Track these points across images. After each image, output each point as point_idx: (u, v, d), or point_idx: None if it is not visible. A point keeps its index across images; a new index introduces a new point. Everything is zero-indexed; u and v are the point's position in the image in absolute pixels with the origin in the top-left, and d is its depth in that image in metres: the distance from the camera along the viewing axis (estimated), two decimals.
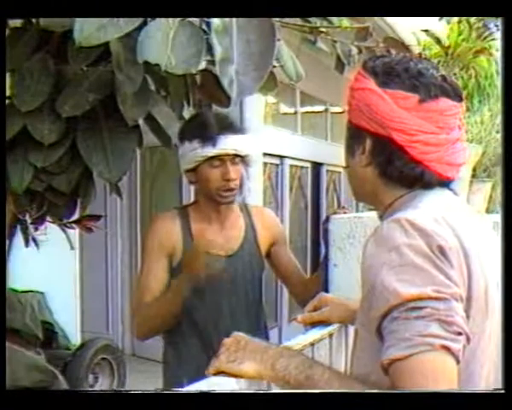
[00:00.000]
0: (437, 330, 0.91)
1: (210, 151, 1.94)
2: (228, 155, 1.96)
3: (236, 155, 1.99)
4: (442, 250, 0.98)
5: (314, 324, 1.62)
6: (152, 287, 1.97)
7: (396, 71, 1.13)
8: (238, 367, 1.12)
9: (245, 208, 2.17)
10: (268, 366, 1.09)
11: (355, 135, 1.18)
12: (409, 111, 1.11)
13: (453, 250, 0.99)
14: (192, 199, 2.32)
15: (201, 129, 1.96)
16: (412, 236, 0.99)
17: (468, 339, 0.95)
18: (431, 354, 0.90)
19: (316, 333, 1.59)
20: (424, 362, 0.90)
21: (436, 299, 0.93)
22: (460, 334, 0.93)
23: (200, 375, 1.15)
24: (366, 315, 1.02)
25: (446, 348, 0.90)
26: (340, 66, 2.16)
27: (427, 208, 1.08)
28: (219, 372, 1.14)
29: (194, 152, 1.96)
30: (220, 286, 2.03)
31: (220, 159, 1.97)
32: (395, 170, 1.13)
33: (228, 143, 1.96)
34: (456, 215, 1.09)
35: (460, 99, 1.15)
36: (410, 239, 0.98)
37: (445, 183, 1.15)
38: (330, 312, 1.60)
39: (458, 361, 0.92)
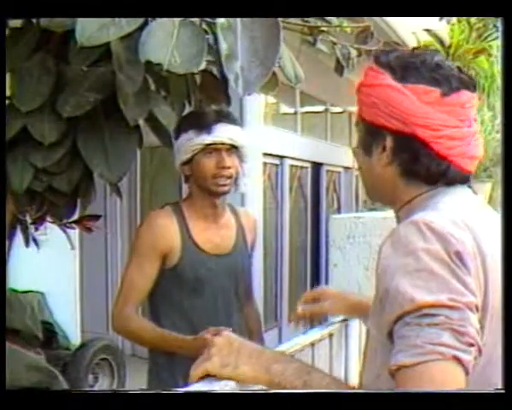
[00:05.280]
0: (449, 339, 0.89)
1: (205, 139, 1.96)
2: (223, 143, 1.97)
3: (232, 146, 2.00)
4: (460, 256, 0.95)
5: (313, 317, 1.61)
6: (139, 284, 1.97)
7: (414, 64, 1.10)
8: (235, 372, 1.07)
9: (233, 209, 2.18)
10: (263, 371, 1.05)
11: (372, 133, 1.13)
12: (432, 106, 1.08)
13: (471, 256, 0.96)
14: None
15: (197, 119, 1.98)
16: (430, 240, 0.96)
17: (479, 351, 0.92)
18: (441, 364, 0.88)
19: (316, 333, 1.59)
20: (433, 371, 0.88)
21: (450, 307, 0.90)
22: (472, 345, 0.90)
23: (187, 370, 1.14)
24: (378, 318, 1.00)
25: (457, 359, 0.88)
26: (340, 68, 2.16)
27: (447, 209, 1.05)
28: (208, 375, 1.08)
29: (190, 141, 1.97)
30: (216, 285, 2.04)
31: (215, 148, 1.97)
32: (421, 167, 1.09)
33: (223, 132, 1.97)
34: (475, 217, 1.06)
35: (475, 89, 1.13)
36: (428, 244, 0.95)
37: (466, 179, 1.13)
38: (330, 305, 1.59)
39: (468, 373, 0.90)
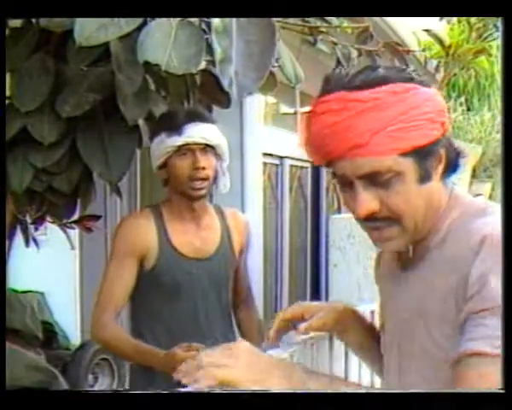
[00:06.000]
0: None
1: (177, 140, 1.88)
2: (196, 143, 1.90)
3: (207, 145, 1.91)
4: None
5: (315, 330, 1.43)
6: (117, 289, 1.90)
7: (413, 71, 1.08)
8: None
9: (219, 211, 2.10)
10: (289, 382, 0.97)
11: (427, 155, 1.04)
12: None
13: None
14: None
15: (168, 120, 1.91)
16: None
17: None
18: None
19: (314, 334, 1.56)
20: None
21: None
22: None
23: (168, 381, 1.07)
24: (459, 307, 0.98)
25: None
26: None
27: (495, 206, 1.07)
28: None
29: (163, 144, 1.90)
30: (196, 290, 1.97)
31: (189, 148, 1.90)
32: (458, 159, 1.10)
33: (195, 131, 1.89)
34: None
35: None
36: None
37: None
38: (326, 317, 1.35)
39: None
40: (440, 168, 1.07)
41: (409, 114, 1.01)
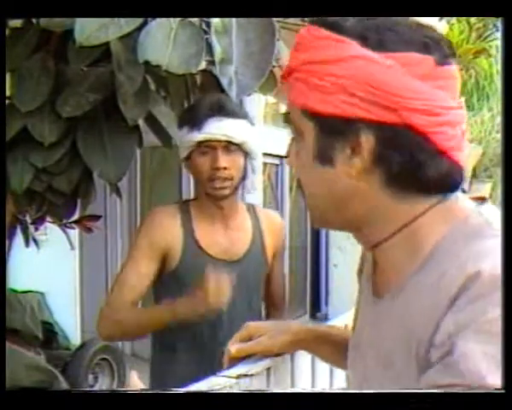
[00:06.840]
0: None
1: (196, 136, 1.74)
2: (218, 140, 1.75)
3: (230, 143, 1.76)
4: None
5: (249, 356, 1.23)
6: (131, 282, 1.76)
7: (390, 25, 0.83)
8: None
9: (252, 209, 1.96)
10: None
11: (333, 131, 0.80)
12: (425, 80, 0.78)
13: None
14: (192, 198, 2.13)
15: (189, 113, 1.80)
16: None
17: None
18: None
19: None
20: None
21: None
22: None
23: (188, 381, 1.06)
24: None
25: None
26: None
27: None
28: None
29: (184, 138, 1.78)
30: None
31: (209, 145, 1.75)
32: (417, 171, 0.79)
33: (217, 128, 1.74)
34: None
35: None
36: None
37: (462, 182, 0.84)
38: (271, 339, 1.21)
39: None
40: (359, 162, 0.80)
41: (311, 67, 0.82)
